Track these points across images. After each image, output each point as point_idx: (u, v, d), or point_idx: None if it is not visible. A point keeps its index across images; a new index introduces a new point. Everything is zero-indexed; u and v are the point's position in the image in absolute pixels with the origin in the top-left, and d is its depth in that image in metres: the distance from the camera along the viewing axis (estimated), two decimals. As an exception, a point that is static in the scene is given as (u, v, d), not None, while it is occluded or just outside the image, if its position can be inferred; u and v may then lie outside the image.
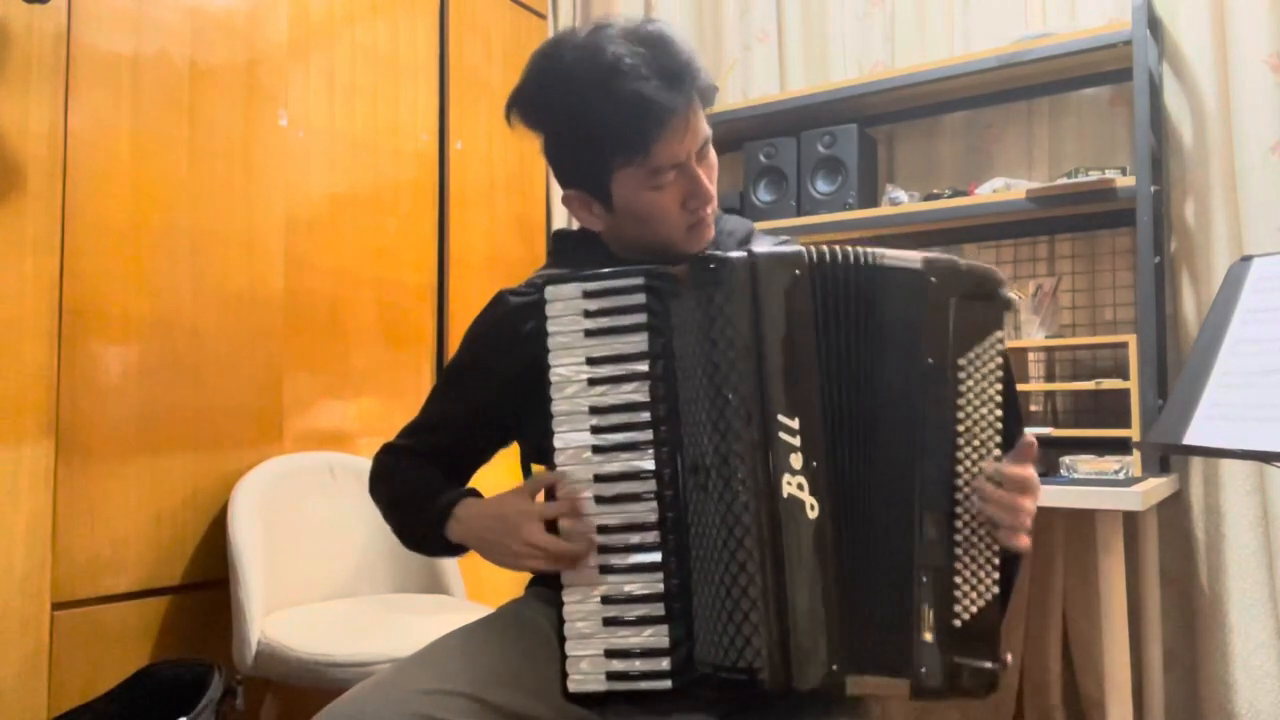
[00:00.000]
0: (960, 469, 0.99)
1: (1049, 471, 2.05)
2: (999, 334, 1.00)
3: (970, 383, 1.00)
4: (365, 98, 2.39)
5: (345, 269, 2.31)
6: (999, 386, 1.00)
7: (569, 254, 1.21)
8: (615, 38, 1.06)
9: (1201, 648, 2.13)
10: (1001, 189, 2.24)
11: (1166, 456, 2.09)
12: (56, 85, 1.78)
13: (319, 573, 2.08)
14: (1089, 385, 2.12)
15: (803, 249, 1.00)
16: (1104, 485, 1.79)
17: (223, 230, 2.04)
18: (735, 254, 0.99)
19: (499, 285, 1.25)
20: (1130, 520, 2.09)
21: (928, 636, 0.97)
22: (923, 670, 0.97)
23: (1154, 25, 2.15)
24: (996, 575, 0.99)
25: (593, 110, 1.05)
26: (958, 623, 0.98)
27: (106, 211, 1.85)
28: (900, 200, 2.38)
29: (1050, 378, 2.34)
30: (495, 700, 1.01)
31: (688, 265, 1.01)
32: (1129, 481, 1.84)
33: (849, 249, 1.00)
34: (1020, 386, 2.16)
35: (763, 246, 1.06)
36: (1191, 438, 1.35)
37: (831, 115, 2.51)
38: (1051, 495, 1.80)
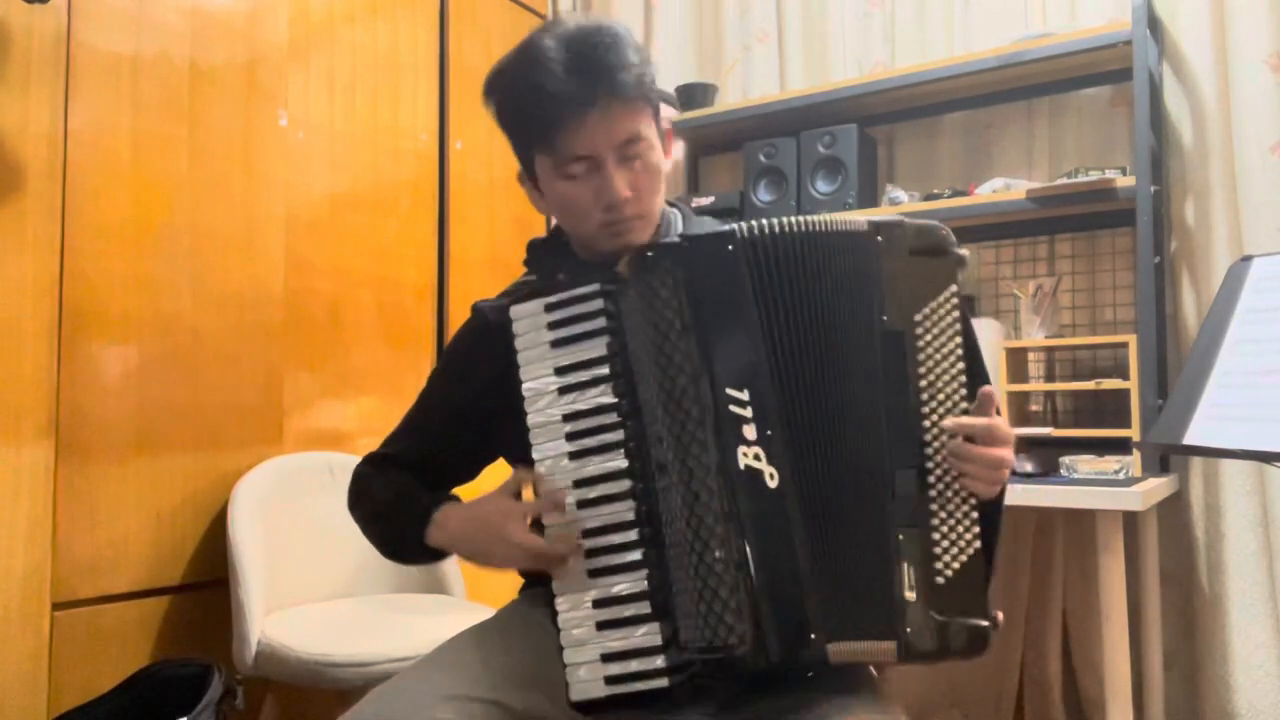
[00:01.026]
0: (928, 424, 0.99)
1: (1049, 471, 2.05)
2: (953, 288, 1.01)
3: (929, 338, 1.00)
4: (365, 98, 2.39)
5: (345, 269, 2.31)
6: (959, 340, 1.01)
7: (540, 262, 1.24)
8: (559, 33, 1.09)
9: (1201, 648, 2.13)
10: (1001, 189, 2.24)
11: (1166, 456, 2.09)
12: (56, 85, 1.78)
13: (319, 573, 2.08)
14: (1089, 385, 2.12)
15: (735, 226, 1.02)
16: (1104, 485, 1.79)
17: (223, 230, 2.04)
18: (668, 240, 1.04)
19: (499, 285, 1.26)
20: (1130, 520, 2.09)
21: (910, 595, 0.97)
22: (908, 630, 0.96)
23: (1154, 25, 2.15)
24: (976, 529, 0.99)
25: (508, 97, 1.12)
26: (940, 580, 0.97)
27: (106, 211, 1.85)
28: (900, 200, 2.38)
29: (1050, 378, 2.34)
30: (512, 703, 1.02)
31: (628, 260, 1.04)
32: (1129, 481, 1.84)
33: (785, 219, 1.02)
34: (1020, 386, 2.16)
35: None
36: (1191, 438, 1.35)
37: (831, 115, 2.51)
38: (1051, 495, 1.80)
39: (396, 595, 2.14)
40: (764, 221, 1.01)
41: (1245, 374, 1.35)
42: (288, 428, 2.15)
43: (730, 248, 1.01)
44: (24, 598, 1.70)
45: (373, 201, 2.39)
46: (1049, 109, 2.40)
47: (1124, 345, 2.06)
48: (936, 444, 0.99)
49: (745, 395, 0.98)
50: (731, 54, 2.84)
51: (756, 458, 0.98)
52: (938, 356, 1.00)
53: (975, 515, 1.00)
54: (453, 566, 2.18)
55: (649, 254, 1.02)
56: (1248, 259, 1.50)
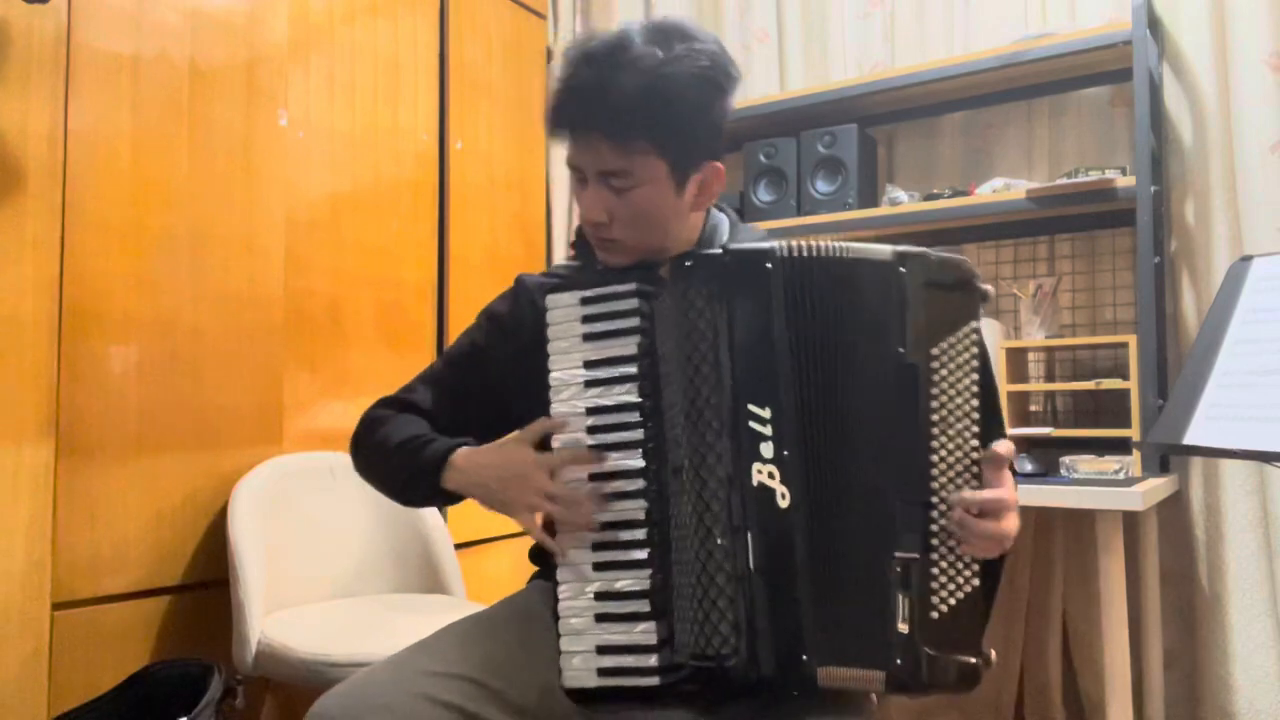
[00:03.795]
0: (936, 459, 0.99)
1: (1049, 471, 2.05)
2: (974, 324, 1.00)
3: (944, 372, 0.99)
4: (365, 98, 2.39)
5: (345, 269, 2.31)
6: (975, 377, 1.00)
7: (586, 252, 1.24)
8: (590, 44, 1.08)
9: (1201, 648, 2.13)
10: (1001, 189, 2.24)
11: (1166, 456, 2.09)
12: (56, 85, 1.78)
13: (319, 573, 2.08)
14: (1089, 385, 2.12)
15: (775, 244, 1.02)
16: (1104, 485, 1.79)
17: (223, 230, 2.04)
18: (709, 250, 1.04)
19: (499, 285, 1.27)
20: (1130, 520, 2.09)
21: (903, 628, 0.96)
22: (898, 662, 0.96)
23: (1154, 25, 2.15)
24: (976, 567, 0.99)
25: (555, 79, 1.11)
26: (935, 615, 0.97)
27: (106, 211, 1.85)
28: (900, 200, 2.38)
29: (1050, 378, 2.34)
30: (494, 685, 1.04)
31: (670, 264, 1.05)
32: (1129, 481, 1.84)
33: (819, 242, 1.02)
34: (1020, 386, 2.16)
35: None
36: (1191, 438, 1.35)
37: (831, 115, 2.51)
38: (1051, 495, 1.80)
39: (396, 595, 2.14)
40: (802, 243, 1.02)
41: (1245, 374, 1.35)
42: (288, 428, 2.15)
43: (769, 265, 1.01)
44: (24, 598, 1.70)
45: (373, 201, 2.39)
46: (1049, 109, 2.40)
47: (1124, 345, 2.06)
48: (944, 479, 0.99)
49: (767, 413, 0.99)
50: (731, 54, 2.83)
51: (770, 475, 0.99)
52: (951, 392, 0.99)
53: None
54: (453, 566, 2.18)
55: (688, 263, 1.03)
56: (1248, 259, 1.50)
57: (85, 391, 1.80)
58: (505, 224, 2.78)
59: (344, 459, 2.16)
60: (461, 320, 1.27)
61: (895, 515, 0.98)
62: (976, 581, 0.99)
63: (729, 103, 1.12)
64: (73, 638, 1.77)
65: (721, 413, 1.00)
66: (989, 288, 1.02)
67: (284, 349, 2.15)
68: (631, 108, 1.04)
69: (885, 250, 1.02)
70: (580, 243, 1.25)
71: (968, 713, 2.38)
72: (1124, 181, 2.05)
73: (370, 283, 2.37)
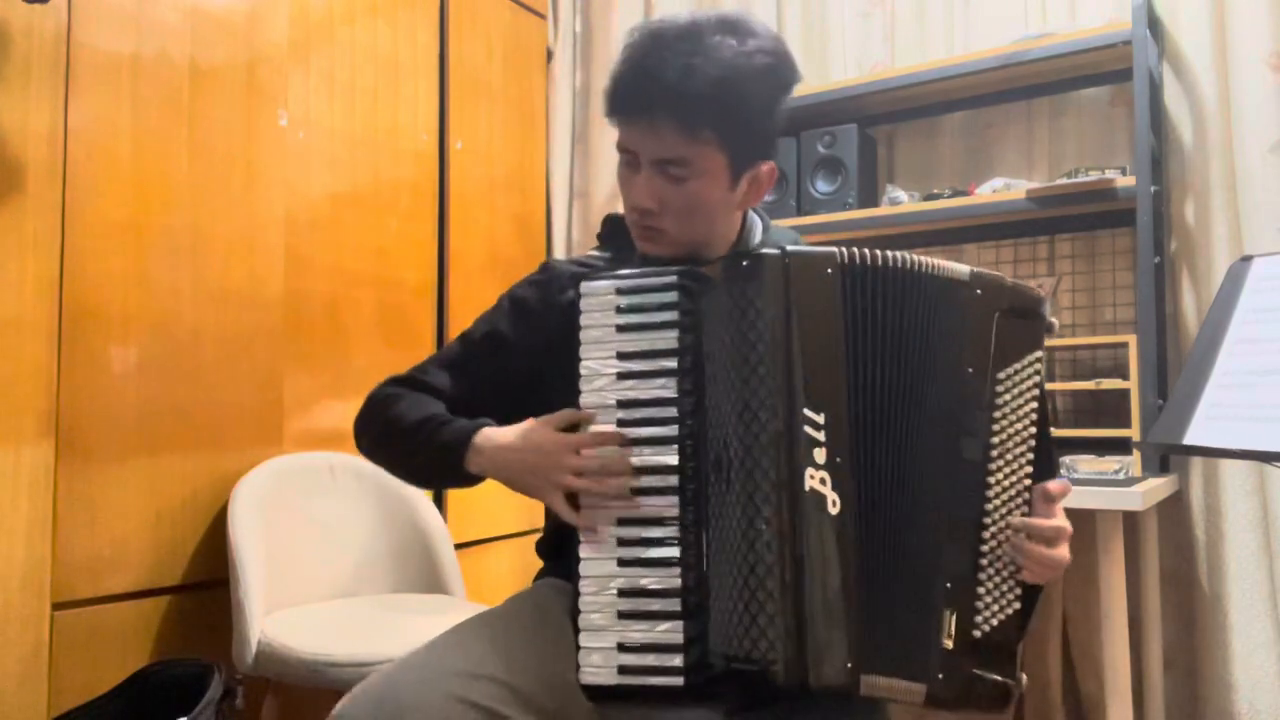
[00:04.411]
0: (992, 480, 0.99)
1: (1049, 471, 2.05)
2: (1038, 354, 1.02)
3: (1007, 397, 1.01)
4: (365, 98, 2.39)
5: (345, 269, 2.31)
6: (1034, 405, 1.01)
7: (616, 239, 1.22)
8: (662, 27, 1.07)
9: (1201, 648, 2.13)
10: (1001, 189, 2.24)
11: (1166, 456, 2.09)
12: (56, 85, 1.78)
13: (319, 573, 2.08)
14: (1089, 385, 2.12)
15: (836, 249, 1.01)
16: (1104, 485, 1.79)
17: (223, 230, 2.04)
18: (768, 250, 1.01)
19: (499, 285, 1.26)
20: (1130, 520, 2.09)
21: (948, 644, 0.97)
22: (940, 677, 0.96)
23: (1154, 25, 2.15)
24: (1018, 590, 1.00)
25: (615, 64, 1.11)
26: (977, 634, 0.98)
27: (106, 211, 1.85)
28: (900, 200, 2.38)
29: (1050, 378, 2.34)
30: (519, 685, 1.01)
31: (720, 262, 1.03)
32: (1129, 481, 1.84)
33: (888, 253, 1.01)
34: (1020, 386, 2.16)
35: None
36: (1191, 438, 1.35)
37: (831, 115, 2.51)
38: (1051, 495, 1.80)
39: (396, 595, 2.14)
40: (865, 251, 1.01)
41: (1245, 374, 1.35)
42: (288, 428, 2.15)
43: (829, 271, 1.00)
44: (24, 598, 1.70)
45: (373, 201, 2.39)
46: (1049, 109, 2.40)
47: (1124, 345, 2.06)
48: (997, 501, 1.00)
49: (821, 419, 0.98)
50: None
51: (823, 481, 0.97)
52: (1013, 417, 1.01)
53: (1021, 576, 1.01)
54: (453, 566, 2.18)
55: (744, 263, 1.01)
56: (1248, 259, 1.50)
57: (85, 391, 1.80)
58: (505, 224, 2.78)
59: (344, 459, 2.18)
60: (462, 320, 1.26)
61: (947, 532, 0.99)
62: (1018, 605, 1.00)
63: (787, 102, 1.11)
64: (73, 638, 1.77)
65: (776, 416, 0.98)
66: (1055, 320, 1.03)
67: (284, 349, 2.15)
68: (707, 95, 1.02)
69: (961, 270, 1.02)
70: (609, 232, 1.23)
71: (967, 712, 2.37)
72: (1124, 181, 2.05)
73: (370, 283, 2.37)
